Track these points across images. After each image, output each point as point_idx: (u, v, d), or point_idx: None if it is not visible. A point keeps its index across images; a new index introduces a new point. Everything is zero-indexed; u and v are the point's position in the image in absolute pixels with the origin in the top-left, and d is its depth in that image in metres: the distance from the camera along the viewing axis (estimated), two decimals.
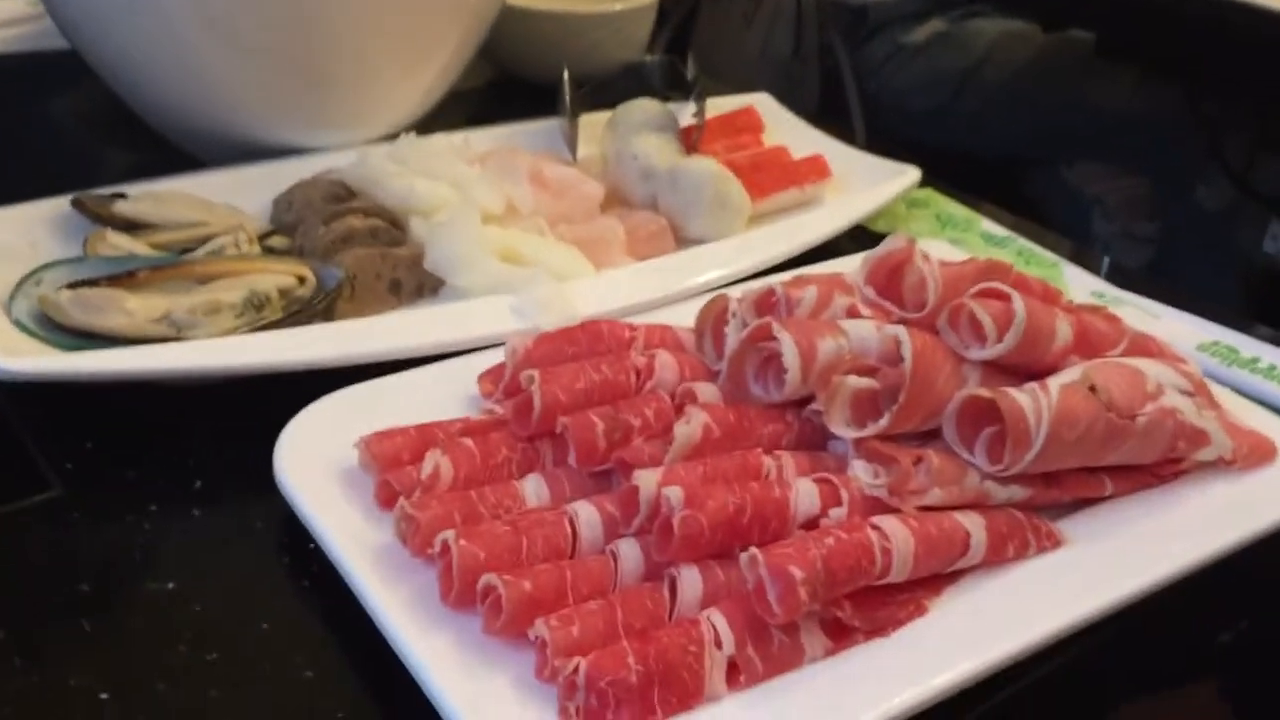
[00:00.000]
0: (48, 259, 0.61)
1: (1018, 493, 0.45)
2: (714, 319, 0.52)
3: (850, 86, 1.86)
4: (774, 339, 0.48)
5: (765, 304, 0.51)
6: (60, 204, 0.64)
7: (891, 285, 0.52)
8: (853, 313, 0.51)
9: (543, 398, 0.47)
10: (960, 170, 0.85)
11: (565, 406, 0.47)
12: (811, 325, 0.49)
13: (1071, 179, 1.77)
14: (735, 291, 0.53)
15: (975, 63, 1.75)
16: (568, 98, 0.77)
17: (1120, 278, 0.68)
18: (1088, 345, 0.50)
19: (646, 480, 0.43)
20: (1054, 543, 0.45)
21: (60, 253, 0.62)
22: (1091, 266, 0.69)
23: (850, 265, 0.58)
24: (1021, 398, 0.45)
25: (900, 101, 1.81)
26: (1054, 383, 0.46)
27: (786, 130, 0.81)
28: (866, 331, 0.49)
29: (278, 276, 0.60)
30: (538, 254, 0.63)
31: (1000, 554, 0.44)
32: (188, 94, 0.70)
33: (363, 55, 0.70)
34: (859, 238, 0.70)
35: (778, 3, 1.87)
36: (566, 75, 0.77)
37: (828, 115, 1.94)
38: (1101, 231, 1.68)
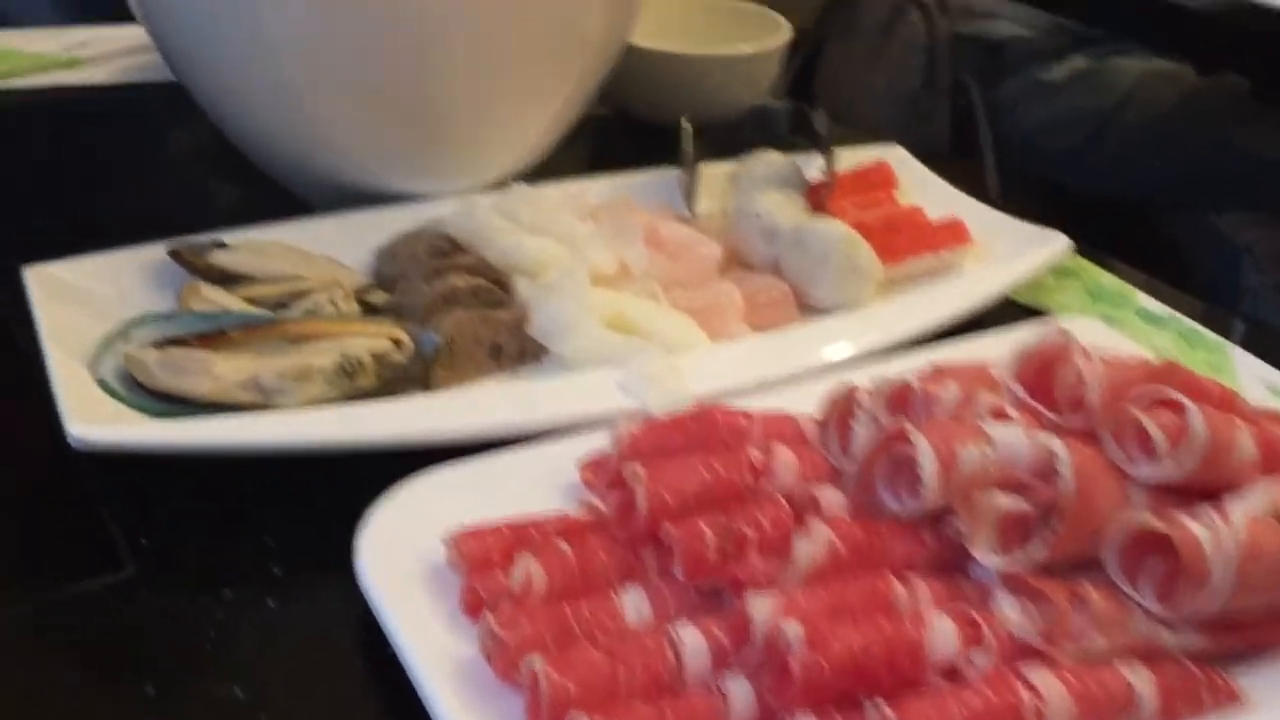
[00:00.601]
0: (141, 309, 0.58)
1: (1192, 640, 0.39)
2: (840, 411, 0.47)
3: (983, 125, 1.78)
4: (909, 444, 0.42)
5: (899, 400, 0.46)
6: (157, 251, 0.61)
7: (1044, 383, 0.46)
8: (999, 414, 0.45)
9: (648, 500, 0.43)
10: (1100, 213, 0.79)
11: (672, 511, 0.43)
12: (952, 429, 0.43)
13: (1219, 226, 1.67)
14: (865, 379, 0.48)
15: (1118, 102, 1.66)
16: (687, 148, 0.73)
17: None
18: (1273, 460, 0.44)
19: (762, 610, 0.38)
20: (1233, 702, 0.39)
21: (154, 303, 0.59)
22: (1263, 346, 0.62)
23: (992, 346, 0.53)
24: (1199, 529, 0.39)
25: (1035, 141, 1.73)
26: (1236, 510, 0.40)
27: (920, 186, 0.76)
28: (1015, 439, 0.43)
29: (372, 340, 0.56)
30: (649, 321, 0.59)
31: (1171, 716, 0.38)
32: (291, 136, 0.67)
33: (475, 101, 0.66)
34: (1001, 309, 0.64)
35: (907, 37, 1.81)
36: (686, 125, 0.73)
37: (958, 154, 1.87)
38: (1251, 283, 1.57)
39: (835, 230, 0.64)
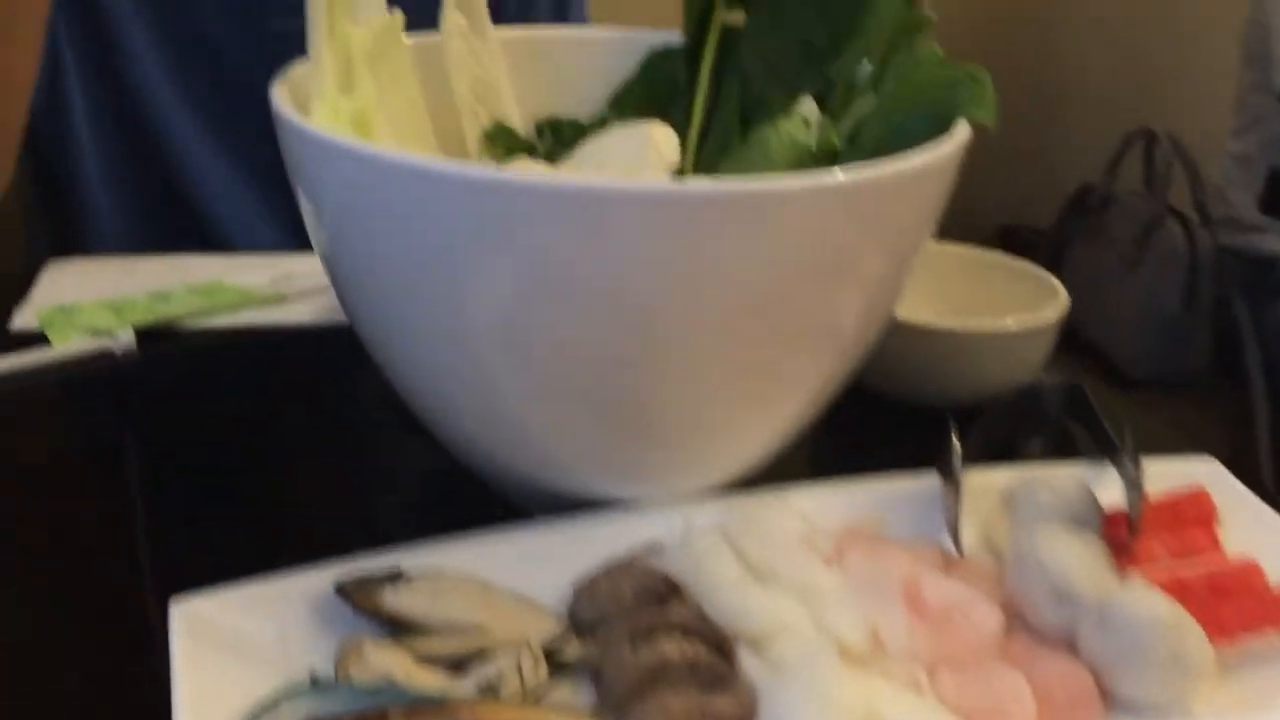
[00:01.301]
0: (300, 654, 0.49)
1: None
2: None
3: (1251, 348, 1.60)
4: None
5: None
6: (324, 579, 0.52)
7: None
8: None
9: None
10: None
11: None
12: None
13: None
14: None
15: None
16: (953, 459, 0.60)
17: None
18: None
19: None
20: None
21: (312, 649, 0.50)
22: None
23: None
24: None
25: None
26: None
27: (1237, 511, 0.61)
28: None
29: None
30: None
31: None
32: (488, 429, 0.58)
33: (701, 403, 0.56)
34: None
35: (1165, 250, 1.65)
36: (954, 433, 0.61)
37: (1220, 379, 1.68)
38: None
39: (1153, 609, 0.50)
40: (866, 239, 0.52)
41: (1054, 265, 1.87)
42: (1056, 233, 1.90)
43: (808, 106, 0.67)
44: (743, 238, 0.48)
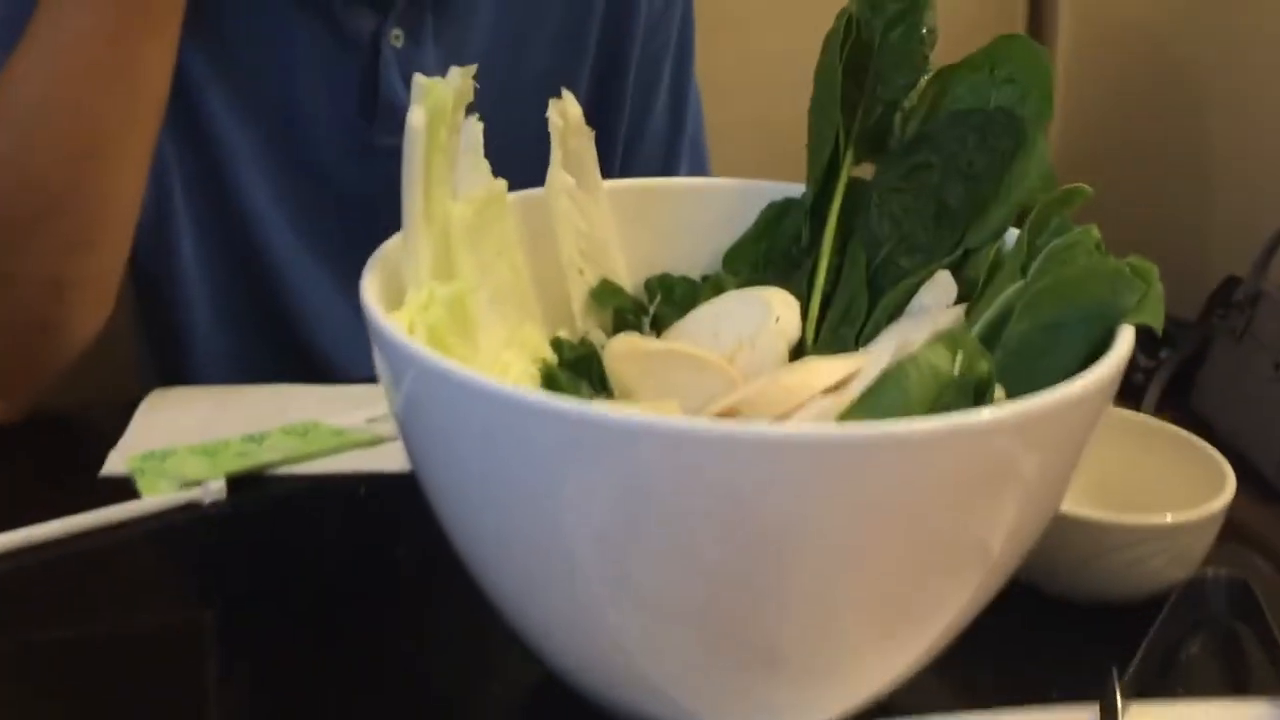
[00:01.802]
0: None
1: None
2: None
3: None
4: None
5: None
6: None
7: None
8: None
9: None
10: None
11: None
12: None
13: None
14: None
15: None
16: (1114, 695, 0.53)
17: None
18: None
19: None
20: None
21: None
22: None
23: None
24: None
25: None
26: None
27: None
28: None
29: None
30: None
31: None
32: (586, 651, 0.53)
33: (828, 635, 0.50)
34: None
35: None
36: (1115, 679, 0.54)
37: None
38: None
39: None
40: (1020, 470, 0.45)
41: (1197, 362, 1.77)
42: (1200, 327, 1.79)
43: (943, 281, 0.61)
44: (883, 481, 0.42)
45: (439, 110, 0.51)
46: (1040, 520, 0.51)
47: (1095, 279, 0.51)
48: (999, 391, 0.51)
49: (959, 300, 0.60)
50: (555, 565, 0.49)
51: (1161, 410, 1.73)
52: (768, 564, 0.46)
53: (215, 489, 0.74)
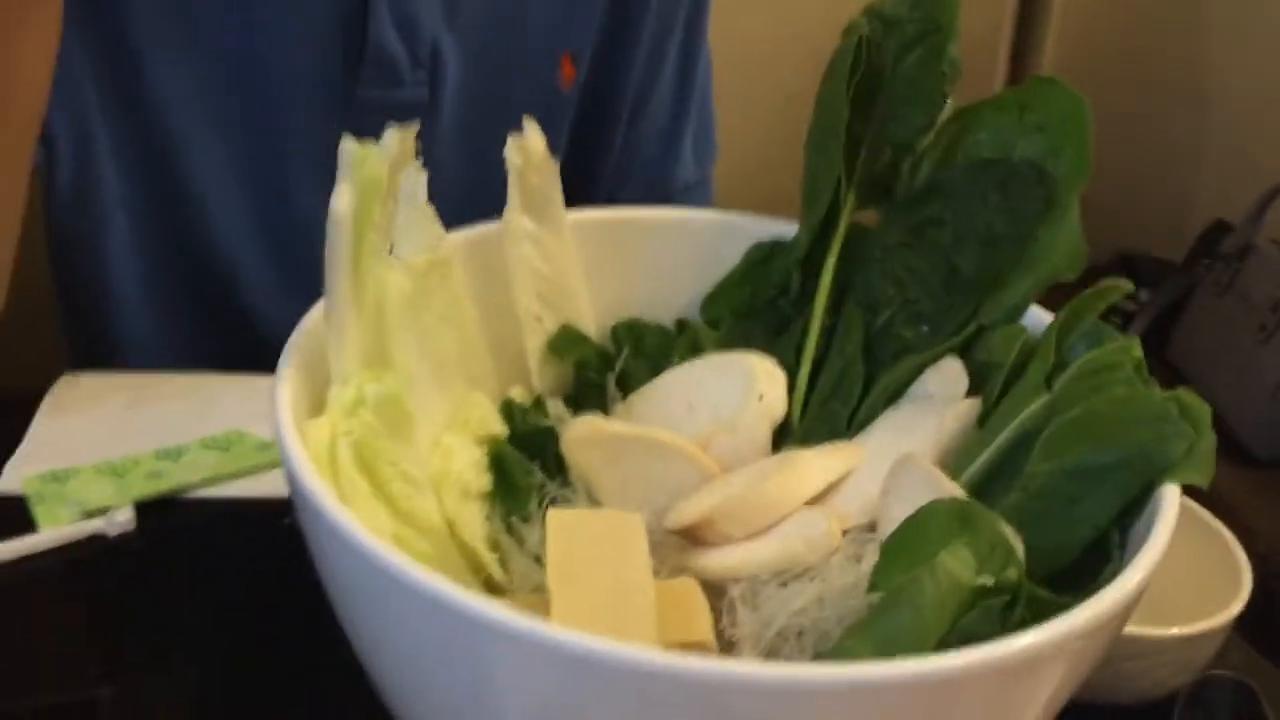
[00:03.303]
0: None
1: None
2: None
3: None
4: None
5: None
6: None
7: None
8: None
9: None
10: None
11: None
12: None
13: None
14: None
15: None
16: None
17: None
18: None
19: None
20: None
21: None
22: None
23: None
24: None
25: None
26: None
27: None
28: None
29: None
30: None
31: None
32: None
33: None
34: None
35: None
36: None
37: None
38: None
39: None
40: (1053, 678, 0.39)
41: (1178, 310, 1.70)
42: (1184, 273, 1.73)
43: (953, 371, 0.53)
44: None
45: (372, 185, 0.43)
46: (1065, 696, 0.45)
47: (1136, 420, 0.44)
48: (1014, 537, 0.44)
49: (969, 389, 0.53)
50: None
51: None
52: None
53: (122, 520, 0.67)
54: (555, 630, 0.34)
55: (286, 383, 0.44)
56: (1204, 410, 0.43)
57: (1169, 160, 1.92)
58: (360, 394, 0.45)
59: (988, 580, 0.37)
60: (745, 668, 0.33)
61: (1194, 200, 1.87)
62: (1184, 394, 0.44)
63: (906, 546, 0.42)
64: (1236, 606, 0.60)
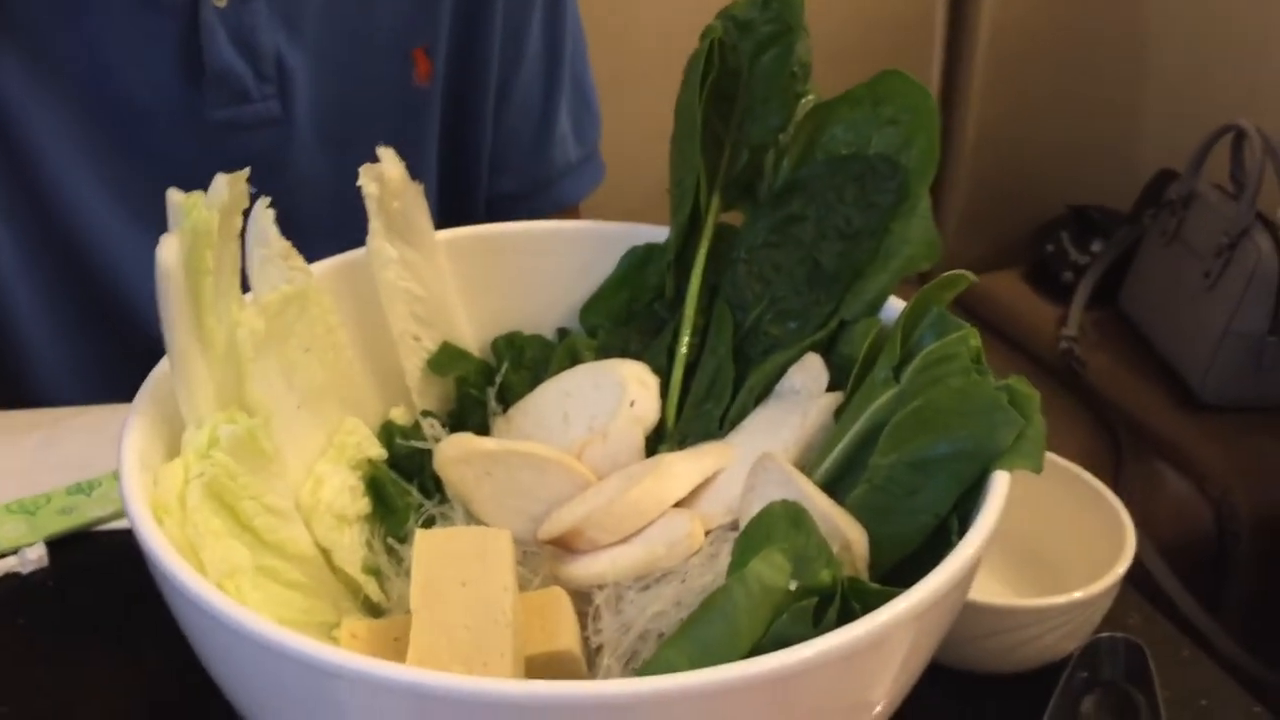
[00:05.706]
0: None
1: None
2: None
3: None
4: None
5: None
6: None
7: None
8: None
9: None
10: None
11: None
12: None
13: None
14: None
15: None
16: None
17: None
18: None
19: None
20: None
21: None
22: None
23: None
24: None
25: None
26: None
27: None
28: None
29: None
30: None
31: None
32: None
33: None
34: None
35: (1252, 266, 1.48)
36: None
37: None
38: None
39: None
40: (872, 677, 0.40)
41: (1127, 258, 1.71)
42: (1132, 223, 1.73)
43: (814, 367, 0.54)
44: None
45: (202, 232, 0.43)
46: (915, 674, 0.46)
47: (970, 411, 0.45)
48: (858, 533, 0.45)
49: (832, 382, 0.54)
50: None
51: (1090, 308, 1.69)
52: None
53: (35, 557, 0.67)
54: (366, 665, 0.35)
55: (135, 431, 0.45)
56: (1033, 398, 0.44)
57: (1114, 112, 1.92)
58: (214, 435, 0.45)
59: (801, 584, 0.38)
60: (549, 689, 0.34)
61: (1142, 150, 1.87)
62: (1015, 382, 0.45)
63: (753, 547, 0.43)
64: (1121, 568, 0.61)
